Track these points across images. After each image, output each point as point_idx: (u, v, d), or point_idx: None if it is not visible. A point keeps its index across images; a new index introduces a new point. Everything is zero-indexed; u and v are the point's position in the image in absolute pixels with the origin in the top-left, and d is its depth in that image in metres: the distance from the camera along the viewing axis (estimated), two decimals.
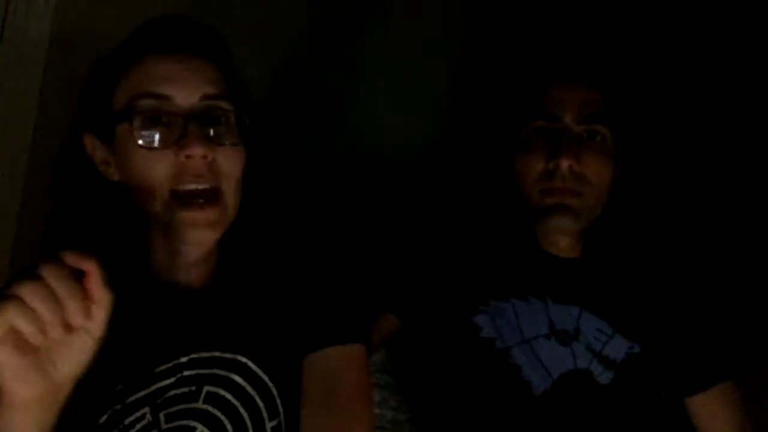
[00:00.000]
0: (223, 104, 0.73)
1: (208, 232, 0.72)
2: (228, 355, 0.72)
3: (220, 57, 0.76)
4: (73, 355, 0.56)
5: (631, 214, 1.15)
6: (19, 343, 0.53)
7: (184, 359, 0.71)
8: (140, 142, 0.70)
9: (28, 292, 0.53)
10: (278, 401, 0.72)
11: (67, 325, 0.54)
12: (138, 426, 0.70)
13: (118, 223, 0.76)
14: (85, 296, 0.55)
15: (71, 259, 0.55)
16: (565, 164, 0.96)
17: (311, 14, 1.28)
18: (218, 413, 0.70)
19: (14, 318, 0.52)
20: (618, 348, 0.96)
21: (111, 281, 0.62)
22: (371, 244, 1.07)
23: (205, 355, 0.72)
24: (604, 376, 0.93)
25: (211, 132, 0.72)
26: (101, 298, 0.56)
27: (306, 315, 0.76)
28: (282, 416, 0.72)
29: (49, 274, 0.54)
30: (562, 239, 1.02)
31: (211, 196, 0.71)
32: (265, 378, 0.72)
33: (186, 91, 0.71)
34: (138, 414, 0.70)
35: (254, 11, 1.22)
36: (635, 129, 1.08)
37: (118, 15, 1.09)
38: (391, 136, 1.29)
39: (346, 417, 0.72)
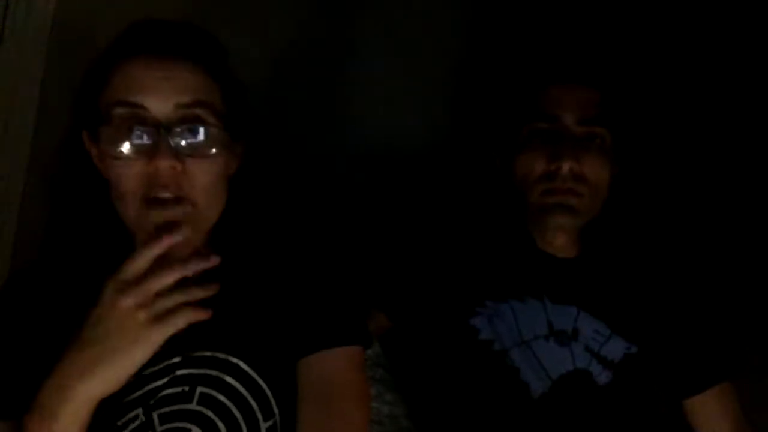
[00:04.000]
0: (200, 112, 0.71)
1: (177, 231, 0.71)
2: (220, 356, 0.72)
3: (208, 59, 0.74)
4: None
5: (629, 214, 1.15)
6: None
7: (176, 359, 0.71)
8: (114, 150, 0.69)
9: None
10: (273, 402, 0.72)
11: None
12: (131, 426, 0.70)
13: (112, 222, 0.75)
14: None
15: None
16: (566, 167, 0.96)
17: (310, 14, 1.28)
18: (212, 415, 0.70)
19: None
20: (616, 348, 0.95)
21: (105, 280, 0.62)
22: (369, 244, 1.07)
23: (197, 354, 0.72)
24: (602, 377, 0.93)
25: (184, 143, 0.70)
26: None
27: (302, 316, 0.75)
28: (278, 417, 0.72)
29: None
30: (559, 237, 1.02)
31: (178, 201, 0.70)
32: (258, 379, 0.72)
33: (159, 101, 0.69)
34: (131, 415, 0.70)
35: (253, 10, 1.22)
36: (633, 130, 1.08)
37: (118, 14, 1.09)
38: (389, 135, 1.29)
39: (342, 420, 0.72)
